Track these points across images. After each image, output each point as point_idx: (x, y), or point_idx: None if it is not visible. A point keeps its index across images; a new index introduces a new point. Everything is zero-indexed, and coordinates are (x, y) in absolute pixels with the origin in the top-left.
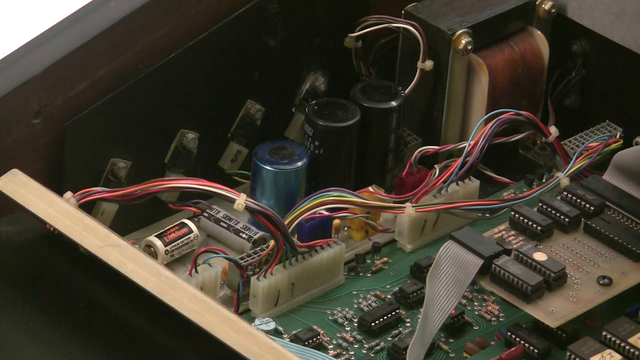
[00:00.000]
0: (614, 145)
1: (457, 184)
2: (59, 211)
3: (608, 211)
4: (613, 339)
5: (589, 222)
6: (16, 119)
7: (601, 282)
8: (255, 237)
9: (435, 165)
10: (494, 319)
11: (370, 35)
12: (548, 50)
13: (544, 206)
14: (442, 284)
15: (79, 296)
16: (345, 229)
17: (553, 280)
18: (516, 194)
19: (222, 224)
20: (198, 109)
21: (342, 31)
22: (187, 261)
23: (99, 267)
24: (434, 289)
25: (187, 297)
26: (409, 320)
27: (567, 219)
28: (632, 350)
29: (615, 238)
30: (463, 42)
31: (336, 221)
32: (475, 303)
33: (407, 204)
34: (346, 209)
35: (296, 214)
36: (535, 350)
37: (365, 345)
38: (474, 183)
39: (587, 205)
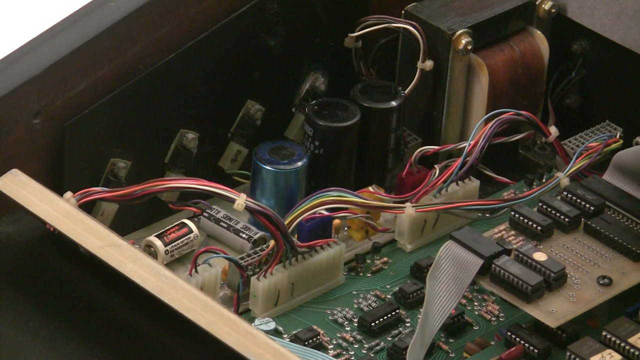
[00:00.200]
0: (614, 145)
1: (457, 184)
2: (59, 211)
3: (608, 211)
4: (613, 339)
5: (589, 222)
6: (16, 119)
7: (601, 282)
8: (255, 237)
9: (435, 165)
10: (494, 319)
11: (370, 35)
12: (548, 50)
13: (544, 206)
14: (442, 284)
15: (79, 296)
16: (345, 229)
17: (553, 280)
18: (516, 194)
19: (222, 224)
20: (198, 109)
21: (342, 31)
22: (187, 261)
23: (99, 267)
24: (434, 289)
25: (187, 297)
26: (409, 320)
27: (567, 219)
28: (632, 350)
29: (615, 238)
30: (463, 42)
31: (336, 221)
32: (475, 303)
33: (407, 204)
34: (346, 209)
35: (296, 214)
36: (535, 350)
37: (365, 345)
38: (474, 183)
39: (587, 205)
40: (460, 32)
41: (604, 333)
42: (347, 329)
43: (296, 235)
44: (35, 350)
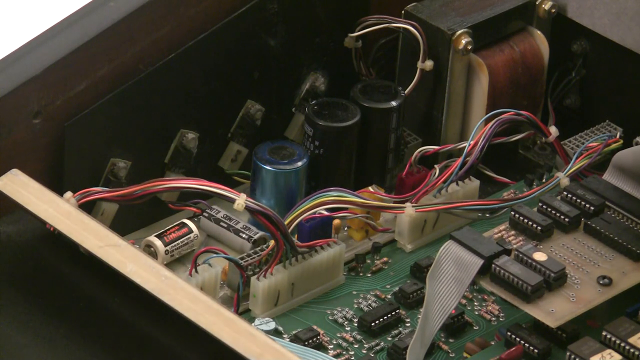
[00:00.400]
0: (614, 145)
1: (457, 184)
2: (59, 211)
3: (608, 211)
4: (613, 339)
5: (589, 222)
6: (16, 119)
7: (601, 282)
8: (255, 237)
9: (435, 165)
10: (494, 319)
11: (370, 35)
12: (548, 50)
13: (544, 206)
14: (442, 284)
15: (79, 296)
16: (345, 229)
17: (553, 280)
18: (516, 194)
19: (222, 224)
20: (198, 109)
21: (342, 31)
22: (187, 261)
23: (99, 267)
24: (434, 289)
25: (187, 297)
26: (409, 320)
27: (567, 219)
28: (632, 350)
29: (615, 238)
30: (463, 42)
31: (336, 221)
32: (475, 303)
33: (407, 204)
34: (346, 209)
35: (296, 214)
36: (535, 350)
37: (365, 345)
38: (474, 183)
39: (587, 205)
40: (460, 32)
41: (604, 333)
42: (347, 329)
43: (296, 235)
44: (35, 350)
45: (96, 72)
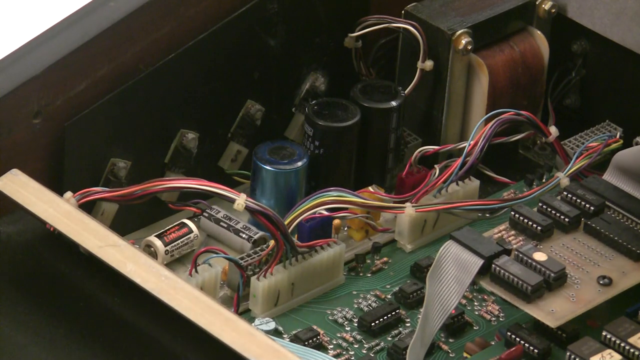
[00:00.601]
0: (614, 145)
1: (457, 184)
2: (59, 211)
3: (608, 211)
4: (613, 339)
5: (589, 222)
6: (16, 119)
7: (601, 282)
8: (255, 237)
9: (435, 165)
10: (494, 319)
11: (370, 35)
12: (548, 50)
13: (544, 206)
14: (442, 284)
15: (79, 296)
16: (345, 229)
17: (553, 280)
18: (516, 194)
19: (222, 224)
20: (198, 109)
21: (342, 31)
22: (187, 261)
23: (99, 267)
24: (434, 289)
25: (187, 297)
26: (409, 320)
27: (567, 219)
28: (632, 350)
29: (615, 238)
30: (463, 42)
31: (336, 221)
32: (475, 303)
33: (407, 204)
34: (346, 209)
35: (296, 214)
36: (535, 350)
37: (365, 345)
38: (474, 183)
39: (587, 205)
40: (460, 32)
41: (604, 333)
42: (347, 329)
43: (296, 235)
44: (35, 350)
45: (96, 72)
